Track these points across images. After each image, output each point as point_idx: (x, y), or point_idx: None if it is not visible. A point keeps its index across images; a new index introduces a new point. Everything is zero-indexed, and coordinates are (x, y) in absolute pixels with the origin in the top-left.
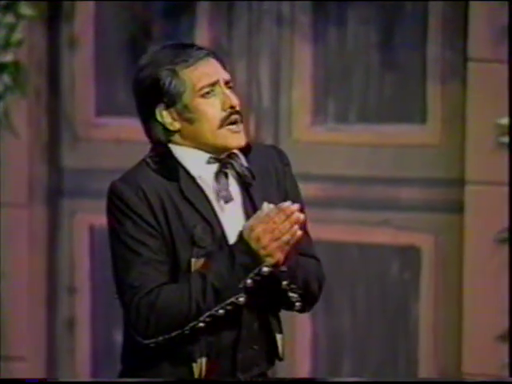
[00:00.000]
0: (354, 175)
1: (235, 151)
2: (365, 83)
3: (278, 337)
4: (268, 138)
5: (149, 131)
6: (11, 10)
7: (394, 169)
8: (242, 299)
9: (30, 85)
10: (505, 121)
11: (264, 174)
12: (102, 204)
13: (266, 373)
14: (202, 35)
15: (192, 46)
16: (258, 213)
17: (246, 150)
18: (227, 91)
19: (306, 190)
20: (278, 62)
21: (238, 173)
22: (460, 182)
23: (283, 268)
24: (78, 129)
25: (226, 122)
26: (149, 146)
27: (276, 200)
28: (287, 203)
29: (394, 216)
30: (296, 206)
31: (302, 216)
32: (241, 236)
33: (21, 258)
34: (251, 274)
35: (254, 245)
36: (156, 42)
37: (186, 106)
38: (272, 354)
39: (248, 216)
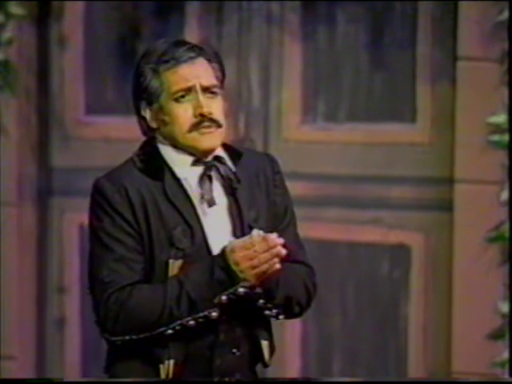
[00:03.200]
0: (343, 174)
1: (222, 155)
2: (354, 82)
3: (264, 343)
4: (258, 137)
5: (139, 123)
6: (0, 9)
7: (383, 167)
8: (214, 314)
9: (19, 84)
10: (494, 119)
11: (253, 181)
12: None
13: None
14: (191, 34)
15: (184, 45)
16: (246, 237)
17: (235, 155)
18: (201, 97)
19: (295, 188)
20: (268, 61)
21: (223, 176)
22: (450, 181)
23: (258, 290)
24: (67, 127)
25: (195, 127)
26: (138, 145)
27: (262, 207)
28: (273, 235)
29: (383, 214)
30: (280, 241)
31: (283, 252)
32: (223, 251)
33: (10, 257)
34: (226, 292)
35: (232, 266)
36: (145, 41)
37: (161, 108)
38: (256, 360)
39: (233, 220)
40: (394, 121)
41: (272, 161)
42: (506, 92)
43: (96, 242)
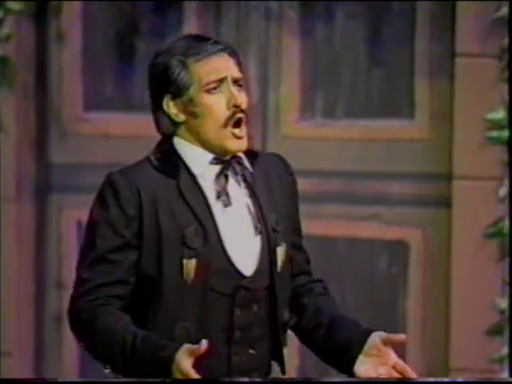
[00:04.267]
0: (342, 170)
1: (240, 154)
2: (353, 78)
3: (285, 350)
4: (256, 133)
5: (157, 121)
6: None
7: (382, 163)
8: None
9: (17, 80)
10: (493, 115)
11: (269, 182)
12: (91, 199)
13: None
14: (189, 31)
15: (209, 39)
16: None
17: (251, 155)
18: (234, 89)
19: None
20: (266, 57)
21: (241, 176)
22: (448, 177)
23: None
24: (65, 124)
25: (229, 121)
26: (138, 141)
27: (281, 210)
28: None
29: (382, 210)
30: None
31: None
32: (175, 352)
33: (8, 253)
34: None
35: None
36: (144, 38)
37: (191, 100)
38: (271, 362)
39: (254, 221)
40: (392, 117)
41: (285, 162)
42: (504, 88)
43: (86, 233)
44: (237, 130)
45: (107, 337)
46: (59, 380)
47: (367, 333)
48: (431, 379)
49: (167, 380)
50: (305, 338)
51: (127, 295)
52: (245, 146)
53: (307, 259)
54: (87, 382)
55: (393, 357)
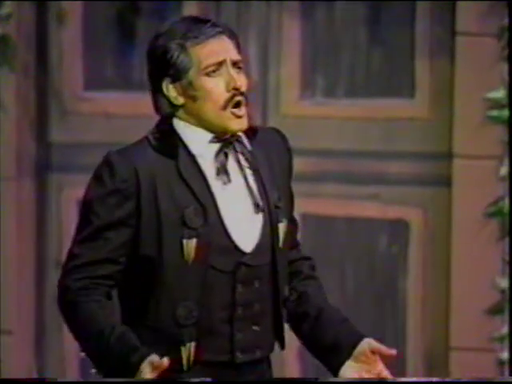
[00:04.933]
0: (342, 149)
1: (239, 133)
2: (353, 58)
3: (285, 326)
4: (256, 112)
5: (155, 103)
6: None
7: (382, 143)
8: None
9: (18, 59)
10: (493, 94)
11: (270, 158)
12: None
13: (269, 359)
14: (190, 12)
15: (208, 21)
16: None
17: (250, 132)
18: (233, 71)
19: (294, 164)
20: (267, 37)
21: (241, 154)
22: (448, 156)
23: None
24: (66, 103)
25: (229, 103)
26: (138, 120)
27: (282, 186)
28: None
29: (382, 190)
30: None
31: None
32: (142, 361)
33: (9, 232)
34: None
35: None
36: (144, 18)
37: (190, 83)
38: (274, 339)
39: (253, 197)
40: (392, 96)
41: (282, 137)
42: (504, 67)
43: (81, 210)
44: (236, 110)
45: (86, 325)
46: (59, 380)
47: (356, 337)
48: (432, 379)
49: (165, 380)
50: (290, 322)
51: (115, 275)
52: (245, 125)
53: (297, 229)
54: (87, 382)
55: (379, 366)
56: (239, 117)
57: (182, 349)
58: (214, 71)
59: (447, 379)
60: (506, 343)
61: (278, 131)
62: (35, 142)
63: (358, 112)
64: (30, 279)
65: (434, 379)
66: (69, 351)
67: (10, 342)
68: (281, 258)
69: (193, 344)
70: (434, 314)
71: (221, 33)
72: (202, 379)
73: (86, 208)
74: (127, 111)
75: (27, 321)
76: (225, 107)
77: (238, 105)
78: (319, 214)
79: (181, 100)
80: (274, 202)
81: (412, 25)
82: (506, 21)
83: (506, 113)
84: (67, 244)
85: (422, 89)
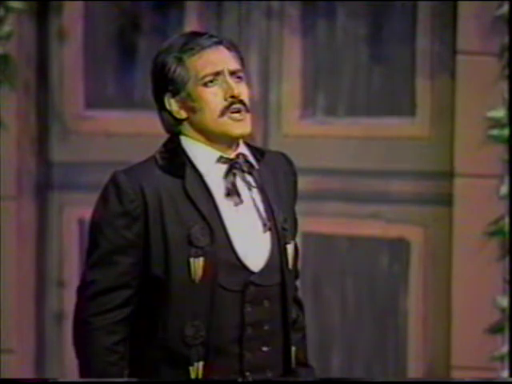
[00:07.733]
0: (343, 168)
1: (246, 153)
2: (354, 76)
3: (293, 349)
4: (257, 131)
5: (162, 121)
6: (0, 3)
7: (383, 162)
8: None
9: (19, 78)
10: (494, 113)
11: (276, 180)
12: (92, 197)
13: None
14: (191, 28)
15: (203, 34)
16: None
17: (257, 153)
18: (231, 80)
19: None
20: (268, 55)
21: (248, 173)
22: (449, 175)
23: None
24: (67, 122)
25: (227, 110)
26: (140, 139)
27: (287, 209)
28: None
29: (383, 208)
30: None
31: None
32: None
33: (9, 251)
34: None
35: None
36: (145, 36)
37: (189, 95)
38: (288, 361)
39: (261, 217)
40: (393, 115)
41: (289, 161)
42: (505, 86)
43: (89, 233)
44: (236, 115)
45: (95, 373)
46: (59, 380)
47: None
48: (432, 379)
49: (167, 380)
50: None
51: (131, 300)
52: (248, 128)
53: (298, 256)
54: (87, 382)
55: None
56: (239, 121)
57: (190, 368)
58: (211, 81)
59: (448, 379)
60: (507, 362)
61: (284, 155)
62: (36, 160)
63: (359, 131)
64: (30, 298)
65: (435, 379)
66: (69, 369)
67: (10, 360)
68: (289, 280)
69: (201, 364)
70: (434, 332)
71: (217, 43)
72: (197, 378)
73: (95, 230)
74: (128, 130)
75: (28, 339)
76: (222, 114)
77: (236, 111)
78: (320, 232)
79: (183, 114)
80: (281, 223)
81: (413, 43)
82: (506, 40)
83: (506, 132)
84: (68, 262)
85: (422, 107)
